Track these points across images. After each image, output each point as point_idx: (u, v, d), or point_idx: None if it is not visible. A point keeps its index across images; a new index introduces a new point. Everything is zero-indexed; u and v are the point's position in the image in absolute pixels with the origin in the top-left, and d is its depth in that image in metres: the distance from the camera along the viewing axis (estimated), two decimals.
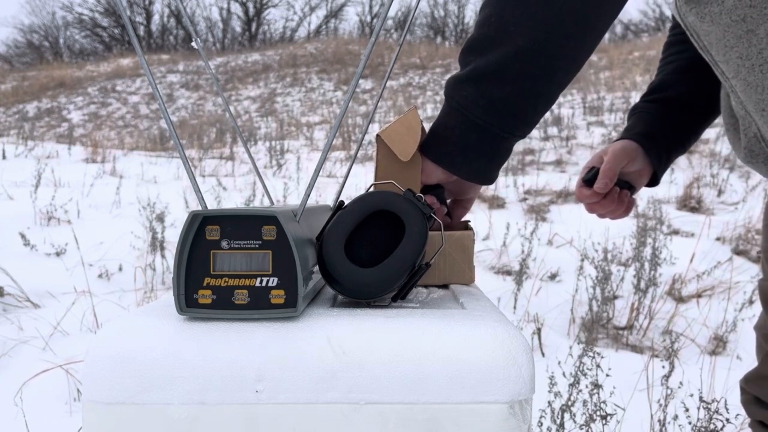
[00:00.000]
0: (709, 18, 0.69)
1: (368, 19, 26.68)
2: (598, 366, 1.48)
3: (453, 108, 0.72)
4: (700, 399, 1.29)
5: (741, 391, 0.96)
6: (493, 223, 3.81)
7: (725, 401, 1.26)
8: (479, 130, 0.71)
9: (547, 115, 6.69)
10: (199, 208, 0.54)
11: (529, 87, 0.69)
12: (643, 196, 4.35)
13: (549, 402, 1.46)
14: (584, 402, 1.43)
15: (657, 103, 0.98)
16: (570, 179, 4.87)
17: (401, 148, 0.73)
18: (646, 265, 2.67)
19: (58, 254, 2.92)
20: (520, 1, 0.67)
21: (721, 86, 0.90)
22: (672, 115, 0.97)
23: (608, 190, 0.93)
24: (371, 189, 0.66)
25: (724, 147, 5.18)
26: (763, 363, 0.92)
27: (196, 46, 0.73)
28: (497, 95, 0.69)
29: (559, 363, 1.88)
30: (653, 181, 1.00)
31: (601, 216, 0.98)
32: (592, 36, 0.70)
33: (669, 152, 0.97)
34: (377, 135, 0.74)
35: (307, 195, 0.55)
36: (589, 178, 0.95)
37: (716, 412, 1.25)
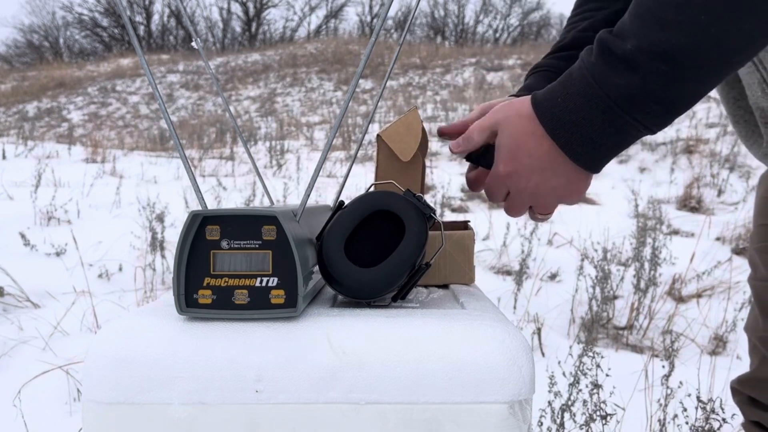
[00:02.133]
0: None
1: (368, 19, 26.68)
2: (598, 366, 1.48)
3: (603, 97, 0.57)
4: (698, 399, 1.29)
5: (733, 391, 0.96)
6: (493, 223, 3.81)
7: (721, 401, 1.26)
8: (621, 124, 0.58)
9: None
10: (199, 208, 0.54)
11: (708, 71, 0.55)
12: (643, 195, 4.35)
13: (549, 402, 1.46)
14: (584, 402, 1.43)
15: (565, 60, 0.83)
16: None
17: (402, 147, 0.73)
18: (646, 265, 2.67)
19: (58, 254, 2.92)
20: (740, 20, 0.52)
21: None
22: None
23: (461, 150, 0.73)
24: (371, 189, 0.66)
25: (724, 147, 5.18)
26: (760, 366, 0.92)
27: (196, 46, 0.73)
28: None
29: (559, 363, 1.88)
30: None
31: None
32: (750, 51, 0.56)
33: None
34: (378, 135, 0.74)
35: (307, 195, 0.55)
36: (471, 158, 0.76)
37: (713, 411, 1.25)
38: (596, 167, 0.62)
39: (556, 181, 0.64)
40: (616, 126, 0.58)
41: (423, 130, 0.76)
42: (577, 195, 0.66)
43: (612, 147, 0.60)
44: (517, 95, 0.83)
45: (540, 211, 0.70)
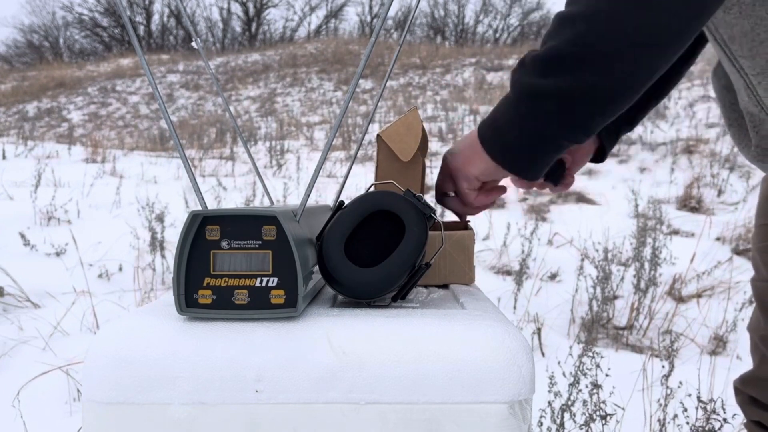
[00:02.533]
0: (738, 9, 0.65)
1: (368, 19, 26.68)
2: (597, 366, 1.48)
3: (526, 117, 0.65)
4: (698, 399, 1.29)
5: (735, 391, 0.96)
6: (493, 223, 3.81)
7: (722, 401, 1.26)
8: (545, 138, 0.66)
9: None
10: (199, 208, 0.54)
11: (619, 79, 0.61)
12: (644, 195, 4.35)
13: (549, 402, 1.46)
14: (584, 402, 1.43)
15: None
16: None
17: (402, 147, 0.73)
18: (646, 265, 2.67)
19: (58, 254, 2.92)
20: (617, 22, 0.58)
21: (714, 80, 0.88)
22: None
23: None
24: (371, 189, 0.66)
25: (724, 147, 5.17)
26: (760, 365, 0.92)
27: (196, 46, 0.73)
28: (580, 120, 0.63)
29: (559, 363, 1.88)
30: (600, 157, 0.93)
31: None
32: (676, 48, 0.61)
33: (618, 128, 0.91)
34: (378, 135, 0.74)
35: (307, 195, 0.55)
36: None
37: (713, 412, 1.25)
38: (498, 154, 0.70)
39: (460, 157, 0.76)
40: (520, 122, 0.66)
41: (423, 130, 0.76)
42: (474, 165, 0.74)
43: (516, 143, 0.67)
44: None
45: (461, 188, 0.78)
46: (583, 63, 0.60)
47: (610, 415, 1.33)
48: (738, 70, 0.73)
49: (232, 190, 4.71)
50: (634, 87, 0.61)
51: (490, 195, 0.79)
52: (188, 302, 0.52)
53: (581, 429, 1.39)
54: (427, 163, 5.48)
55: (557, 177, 0.87)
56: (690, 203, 4.23)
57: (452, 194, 0.82)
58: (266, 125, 8.91)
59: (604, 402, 1.36)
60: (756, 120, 0.77)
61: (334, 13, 27.38)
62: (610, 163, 5.31)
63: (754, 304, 0.97)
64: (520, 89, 0.65)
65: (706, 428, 1.26)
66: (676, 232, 3.71)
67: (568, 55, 0.60)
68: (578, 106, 0.62)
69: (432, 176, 5.10)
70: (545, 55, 0.62)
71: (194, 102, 11.75)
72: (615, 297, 2.73)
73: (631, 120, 0.92)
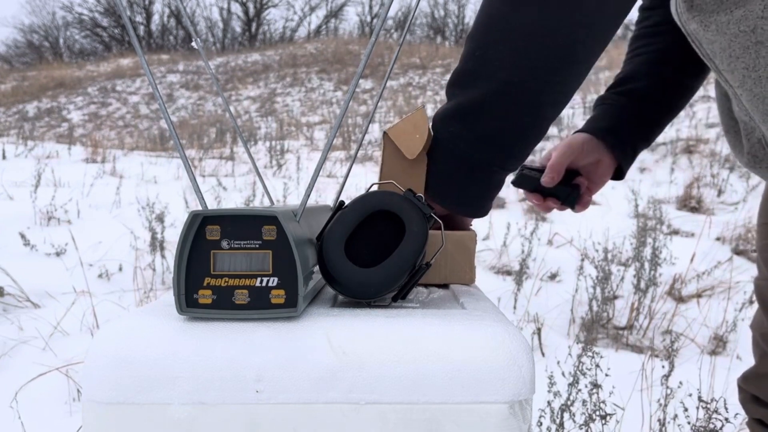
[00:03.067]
0: (715, 27, 0.67)
1: (368, 19, 26.68)
2: (597, 366, 1.48)
3: (441, 142, 0.72)
4: (699, 399, 1.29)
5: (739, 389, 0.96)
6: (493, 223, 3.81)
7: (724, 401, 1.26)
8: (467, 164, 0.71)
9: None
10: (199, 208, 0.54)
11: (515, 122, 0.68)
12: (644, 195, 4.35)
13: (548, 402, 1.46)
14: (584, 402, 1.43)
15: (623, 95, 0.97)
16: None
17: (408, 145, 0.73)
18: (646, 265, 2.67)
19: (57, 254, 2.92)
20: (503, 36, 0.65)
21: (716, 87, 0.89)
22: (637, 108, 0.95)
23: (553, 184, 0.91)
24: (372, 188, 0.66)
25: (724, 147, 5.18)
26: (760, 362, 0.92)
27: (196, 46, 0.73)
28: (483, 131, 0.68)
29: (558, 363, 1.88)
30: (618, 175, 0.98)
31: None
32: (579, 69, 0.68)
33: (634, 146, 0.96)
34: (384, 132, 0.74)
35: (307, 195, 0.55)
36: (518, 180, 0.94)
37: (715, 411, 1.25)
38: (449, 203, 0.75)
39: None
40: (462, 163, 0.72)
41: (429, 130, 0.76)
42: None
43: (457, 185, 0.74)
44: (584, 129, 0.96)
45: None
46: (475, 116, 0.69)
47: (609, 414, 1.33)
48: (724, 82, 0.75)
49: (232, 190, 4.71)
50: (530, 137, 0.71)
51: None
52: (188, 302, 0.52)
53: (581, 429, 1.39)
54: None
55: (573, 201, 0.91)
56: (690, 203, 4.23)
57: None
58: (266, 125, 8.91)
59: (603, 402, 1.36)
60: (747, 128, 0.78)
61: (334, 13, 27.39)
62: None
63: (754, 304, 0.98)
64: (447, 135, 0.72)
65: (708, 428, 1.26)
66: (676, 232, 3.71)
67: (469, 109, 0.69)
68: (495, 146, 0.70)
69: None
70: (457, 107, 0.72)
71: (194, 102, 11.75)
72: (615, 297, 2.73)
73: (646, 137, 0.97)
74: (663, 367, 1.65)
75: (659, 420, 1.55)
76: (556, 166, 0.91)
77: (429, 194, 0.74)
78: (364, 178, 4.93)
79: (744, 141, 0.81)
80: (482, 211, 0.76)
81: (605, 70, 10.23)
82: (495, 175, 0.72)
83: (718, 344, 2.36)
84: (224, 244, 0.52)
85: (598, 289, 2.55)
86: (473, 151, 0.70)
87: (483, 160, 0.70)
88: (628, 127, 0.94)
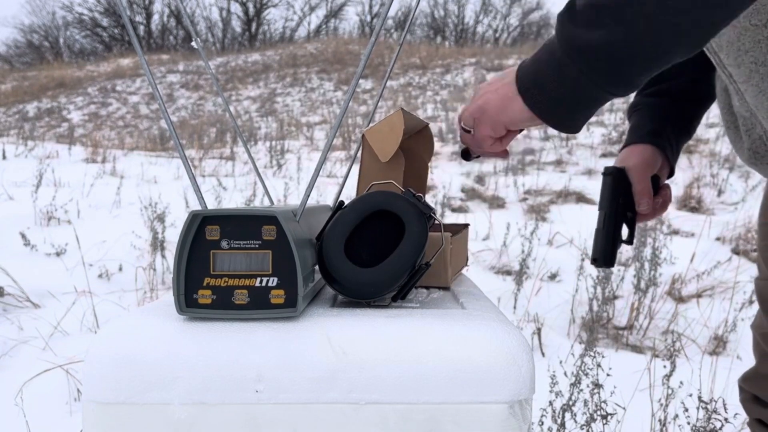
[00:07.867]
0: None
1: (368, 19, 26.67)
2: (598, 366, 1.48)
3: (572, 73, 0.61)
4: (699, 399, 1.29)
5: (740, 389, 0.96)
6: (493, 223, 3.81)
7: (723, 401, 1.26)
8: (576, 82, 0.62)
9: None
10: (199, 208, 0.54)
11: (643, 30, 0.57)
12: None
13: (550, 402, 1.46)
14: (585, 402, 1.43)
15: (658, 96, 0.98)
16: (570, 179, 4.87)
17: (381, 147, 0.71)
18: (646, 265, 2.67)
19: (58, 254, 2.92)
20: None
21: (717, 82, 0.89)
22: (675, 106, 0.97)
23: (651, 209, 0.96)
24: (371, 189, 0.66)
25: (724, 147, 5.17)
26: (761, 362, 0.92)
27: (196, 46, 0.73)
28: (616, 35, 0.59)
29: (560, 362, 1.88)
30: (670, 173, 1.02)
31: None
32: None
33: (678, 143, 0.98)
34: (362, 134, 0.74)
35: (307, 195, 0.55)
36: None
37: (715, 411, 1.25)
38: (540, 110, 0.65)
39: (492, 103, 0.70)
40: (563, 75, 0.61)
41: (429, 131, 0.75)
42: (507, 113, 0.68)
43: (560, 98, 0.63)
44: (627, 143, 0.97)
45: (481, 132, 0.73)
46: (626, 15, 0.56)
47: (610, 414, 1.33)
48: (727, 76, 0.74)
49: (232, 190, 4.71)
50: (683, 42, 0.57)
51: (503, 141, 0.76)
52: (188, 302, 0.52)
53: (582, 429, 1.39)
54: (430, 164, 5.47)
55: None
56: (690, 203, 4.23)
57: (470, 131, 0.78)
58: (266, 125, 8.91)
59: (605, 402, 1.36)
60: (748, 123, 0.78)
61: (334, 13, 27.38)
62: (610, 163, 5.30)
63: (754, 304, 0.99)
64: (566, 43, 0.61)
65: (708, 428, 1.26)
66: (676, 232, 3.71)
67: (617, 6, 0.57)
68: (626, 65, 0.59)
69: (432, 176, 5.10)
70: (595, 4, 0.58)
71: (194, 102, 11.75)
72: (615, 297, 2.73)
73: (688, 130, 0.99)
74: (664, 367, 1.65)
75: (660, 420, 1.55)
76: (646, 192, 0.94)
77: (529, 98, 0.65)
78: None
79: (744, 137, 0.81)
80: (575, 127, 0.66)
81: None
82: (601, 91, 0.62)
83: (719, 344, 2.36)
84: (224, 244, 0.52)
85: (599, 289, 2.55)
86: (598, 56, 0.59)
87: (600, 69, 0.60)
88: (669, 126, 0.96)
